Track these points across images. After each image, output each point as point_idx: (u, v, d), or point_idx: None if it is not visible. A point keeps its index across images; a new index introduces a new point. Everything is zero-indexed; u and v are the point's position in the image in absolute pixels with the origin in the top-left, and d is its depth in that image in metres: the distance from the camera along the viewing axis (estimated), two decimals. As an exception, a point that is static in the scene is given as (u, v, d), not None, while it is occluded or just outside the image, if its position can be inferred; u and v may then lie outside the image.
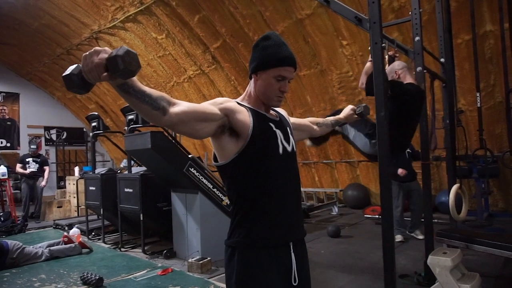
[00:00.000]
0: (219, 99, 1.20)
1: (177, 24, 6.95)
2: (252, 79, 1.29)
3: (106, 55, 0.88)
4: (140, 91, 0.96)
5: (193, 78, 8.04)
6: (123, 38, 7.88)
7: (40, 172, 7.26)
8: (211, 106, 1.15)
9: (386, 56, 2.77)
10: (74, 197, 7.32)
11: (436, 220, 4.76)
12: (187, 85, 8.29)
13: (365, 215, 6.16)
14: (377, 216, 5.86)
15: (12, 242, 4.00)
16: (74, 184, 7.31)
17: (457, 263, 2.42)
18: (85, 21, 7.67)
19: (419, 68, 2.77)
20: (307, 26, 5.91)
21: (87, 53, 0.89)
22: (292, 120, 1.54)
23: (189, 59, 7.66)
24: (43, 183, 7.21)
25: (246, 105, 1.27)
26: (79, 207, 7.02)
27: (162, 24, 7.10)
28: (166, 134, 3.94)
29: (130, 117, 4.50)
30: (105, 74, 0.88)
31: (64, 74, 0.90)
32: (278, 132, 1.27)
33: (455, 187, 2.96)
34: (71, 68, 0.90)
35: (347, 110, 1.91)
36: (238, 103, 1.26)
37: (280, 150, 1.25)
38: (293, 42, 6.21)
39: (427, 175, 2.89)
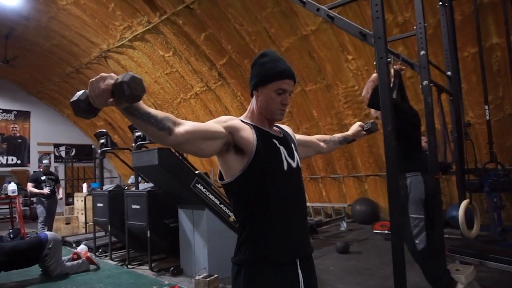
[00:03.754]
0: (223, 118, 1.21)
1: (183, 42, 7.08)
2: (254, 97, 1.31)
3: (112, 81, 0.90)
4: (146, 113, 0.97)
5: (200, 95, 8.12)
6: (131, 56, 8.04)
7: (55, 190, 7.01)
8: (215, 124, 1.17)
9: (392, 70, 2.77)
10: (82, 214, 7.34)
11: (447, 235, 4.65)
12: (194, 101, 8.38)
13: (374, 231, 6.06)
14: (386, 232, 5.75)
15: (52, 235, 4.18)
16: (82, 200, 7.34)
17: (471, 281, 2.35)
18: (94, 40, 7.85)
19: (425, 82, 2.76)
20: (312, 42, 5.97)
21: (94, 79, 0.91)
22: (298, 137, 1.54)
23: (196, 76, 7.76)
24: (60, 195, 6.92)
25: (250, 122, 1.28)
26: (87, 224, 7.03)
27: (169, 42, 7.24)
28: (173, 151, 3.95)
29: (137, 134, 4.54)
30: (111, 99, 0.89)
31: (72, 100, 0.92)
32: (282, 148, 1.28)
33: (464, 203, 2.90)
34: (79, 94, 0.93)
35: (355, 126, 1.91)
36: (241, 121, 1.27)
37: (285, 167, 1.25)
38: (298, 58, 6.27)
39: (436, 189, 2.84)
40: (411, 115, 2.72)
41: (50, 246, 4.09)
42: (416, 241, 2.48)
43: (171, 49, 7.38)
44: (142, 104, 0.97)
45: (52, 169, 10.78)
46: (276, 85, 1.25)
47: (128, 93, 0.88)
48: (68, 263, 4.34)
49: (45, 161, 6.98)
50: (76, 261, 4.40)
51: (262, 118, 1.30)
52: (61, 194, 6.90)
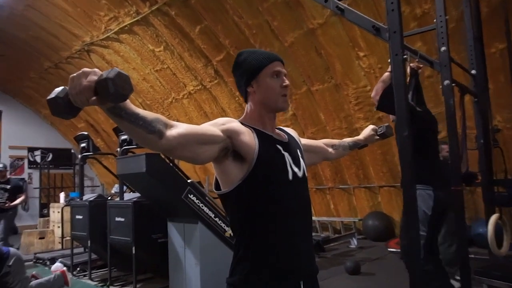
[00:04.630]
0: (220, 120, 1.21)
1: (176, 35, 7.11)
2: (249, 98, 1.33)
3: (95, 78, 0.89)
4: (133, 113, 0.97)
5: (194, 94, 8.14)
6: (117, 50, 8.08)
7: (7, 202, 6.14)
8: (212, 127, 1.17)
9: (408, 68, 2.78)
10: (59, 227, 7.31)
11: (473, 256, 4.62)
12: (187, 101, 8.39)
13: (389, 249, 6.03)
14: (402, 250, 5.72)
15: (14, 250, 4.04)
16: (59, 212, 7.31)
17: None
18: (76, 32, 7.89)
19: (446, 82, 2.77)
20: (320, 37, 6.00)
21: (75, 74, 0.90)
22: (304, 141, 1.55)
23: (189, 74, 7.79)
24: (16, 202, 6.19)
25: (250, 125, 1.28)
26: (64, 239, 6.99)
27: (160, 35, 7.27)
28: (163, 157, 3.96)
29: (123, 137, 4.54)
30: (94, 98, 0.89)
31: (49, 98, 0.91)
32: (286, 155, 1.28)
33: (494, 217, 2.89)
34: (57, 90, 0.91)
35: (367, 130, 1.92)
36: (241, 122, 1.28)
37: (290, 176, 1.26)
38: (304, 54, 6.30)
39: (459, 203, 2.83)
40: (428, 120, 2.72)
41: (10, 264, 3.95)
42: None
43: (162, 43, 7.41)
44: (129, 104, 0.96)
45: (25, 175, 10.78)
46: (268, 69, 1.29)
47: (113, 91, 0.88)
48: (37, 280, 4.27)
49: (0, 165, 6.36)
50: (48, 277, 4.34)
51: (263, 119, 1.31)
52: (17, 201, 6.24)
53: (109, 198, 5.53)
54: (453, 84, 2.84)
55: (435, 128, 2.79)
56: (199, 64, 7.45)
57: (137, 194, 4.59)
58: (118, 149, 4.58)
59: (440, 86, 2.79)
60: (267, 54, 1.33)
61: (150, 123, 0.99)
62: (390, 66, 2.40)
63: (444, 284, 2.61)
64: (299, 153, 1.35)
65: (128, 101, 0.96)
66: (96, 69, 0.91)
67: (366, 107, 6.35)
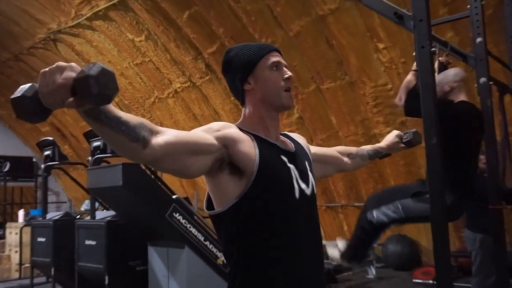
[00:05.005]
0: (214, 125, 1.21)
1: (160, 22, 7.14)
2: (247, 98, 1.34)
3: (73, 74, 0.88)
4: (115, 117, 0.96)
5: (181, 93, 8.15)
6: (89, 39, 8.10)
7: None
8: (205, 134, 1.17)
9: (436, 63, 2.78)
10: (16, 252, 7.26)
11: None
12: (173, 101, 8.40)
13: (414, 279, 6.01)
14: (430, 281, 5.71)
15: None
16: (17, 233, 7.27)
17: None
18: (40, 18, 7.91)
19: (482, 79, 2.77)
20: (331, 25, 6.02)
21: (47, 70, 0.88)
22: (314, 149, 1.55)
23: (176, 68, 7.81)
24: None
25: (249, 131, 1.28)
26: (23, 266, 6.94)
27: (141, 22, 7.30)
28: (143, 168, 3.96)
29: (96, 143, 4.54)
30: (70, 99, 0.87)
31: (13, 97, 0.89)
32: (292, 168, 1.28)
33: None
34: (24, 88, 0.89)
35: (391, 137, 1.93)
36: (239, 128, 1.28)
37: (297, 194, 1.26)
38: (312, 46, 6.32)
39: (499, 225, 2.82)
40: (469, 117, 2.66)
41: None
42: None
43: (143, 31, 7.43)
44: (110, 105, 0.96)
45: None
46: (265, 61, 1.31)
47: (96, 91, 0.86)
48: None
49: None
50: None
51: (265, 123, 1.31)
52: None
53: (78, 216, 5.50)
54: (491, 82, 2.84)
55: (476, 127, 2.69)
56: (187, 57, 7.47)
57: (112, 212, 4.58)
58: (90, 158, 4.58)
59: (475, 85, 2.80)
60: (261, 45, 1.36)
61: (134, 129, 0.98)
62: (415, 62, 2.40)
63: None
64: (307, 166, 1.35)
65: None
66: (73, 64, 0.90)
67: (386, 109, 6.37)
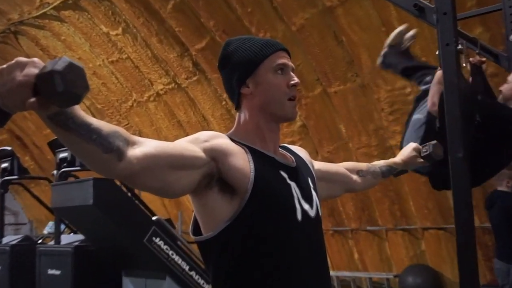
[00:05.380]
0: (202, 134, 1.22)
1: (140, 13, 7.16)
2: (243, 104, 1.34)
3: (35, 71, 0.88)
4: (84, 124, 0.96)
5: (164, 96, 8.16)
6: (56, 32, 8.11)
7: None
8: (190, 145, 1.17)
9: (465, 65, 2.79)
10: (-33, 282, 7.19)
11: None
12: (154, 106, 8.40)
13: (437, 318, 5.98)
14: (456, 320, 5.69)
15: None
16: (-32, 260, 7.20)
17: None
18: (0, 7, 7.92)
19: (517, 83, 2.79)
20: (340, 18, 6.06)
21: (5, 66, 0.88)
22: (318, 165, 1.55)
23: (158, 67, 7.82)
24: None
25: (243, 142, 1.28)
26: (-26, 299, 6.87)
27: (118, 13, 7.32)
28: (118, 184, 3.95)
29: (62, 155, 4.52)
30: (32, 99, 0.87)
31: None
32: (293, 186, 1.28)
33: None
34: None
35: (408, 150, 1.93)
36: (231, 138, 1.28)
37: (299, 216, 1.25)
38: (318, 42, 6.35)
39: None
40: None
41: None
42: None
43: (120, 23, 7.45)
44: (78, 109, 0.95)
45: None
46: (269, 62, 1.31)
47: (62, 89, 0.86)
48: None
49: None
50: None
51: (263, 133, 1.32)
52: None
53: (39, 241, 5.46)
54: (527, 86, 2.86)
55: None
56: (171, 54, 7.48)
57: (81, 237, 4.54)
58: (55, 171, 4.56)
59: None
60: (267, 41, 1.35)
61: (107, 138, 0.98)
62: (439, 63, 2.42)
63: None
64: (310, 183, 1.35)
65: (77, 105, 0.95)
66: (36, 59, 0.90)
67: (404, 117, 6.38)
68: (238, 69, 1.32)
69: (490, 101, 2.65)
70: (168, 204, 9.23)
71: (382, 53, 2.89)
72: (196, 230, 1.26)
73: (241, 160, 1.21)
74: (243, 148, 1.25)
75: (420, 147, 1.94)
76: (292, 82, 1.31)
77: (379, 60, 2.97)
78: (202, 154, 1.16)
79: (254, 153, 1.25)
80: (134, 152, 1.03)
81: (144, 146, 1.06)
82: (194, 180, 1.15)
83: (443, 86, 2.53)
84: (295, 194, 1.27)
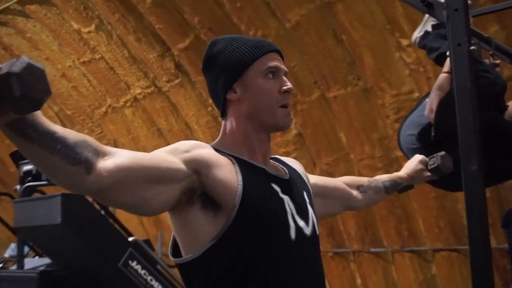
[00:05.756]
0: (183, 144, 1.22)
1: (116, 8, 7.16)
2: (230, 111, 1.36)
3: None
4: (47, 132, 0.96)
5: (142, 101, 8.14)
6: (21, 30, 8.08)
7: None
8: (170, 156, 1.17)
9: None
10: None
11: None
12: (131, 112, 8.38)
13: None
14: None
15: None
16: None
17: None
18: (-45, 1, 7.90)
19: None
20: (340, 14, 6.09)
21: None
22: (314, 179, 1.56)
23: (136, 68, 7.81)
24: None
25: (229, 152, 1.29)
26: None
27: (91, 8, 7.32)
28: (90, 200, 3.94)
29: (26, 167, 4.51)
30: None
31: None
32: (286, 200, 1.29)
33: None
34: None
35: (413, 163, 1.96)
36: (215, 149, 1.29)
37: (292, 233, 1.26)
38: (316, 41, 6.37)
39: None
40: None
41: None
42: None
43: (93, 20, 7.45)
44: (41, 116, 0.96)
45: None
46: (260, 65, 1.32)
47: (19, 94, 0.86)
48: None
49: None
50: None
51: (251, 143, 1.33)
52: None
53: (0, 265, 5.41)
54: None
55: None
56: (151, 54, 7.48)
57: (47, 260, 4.53)
58: (18, 186, 4.54)
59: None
60: (257, 41, 1.36)
61: (74, 148, 0.98)
62: (448, 62, 2.44)
63: None
64: (306, 198, 1.36)
65: (39, 112, 0.95)
66: None
67: (412, 125, 6.42)
68: (224, 72, 1.33)
69: (493, 115, 2.68)
70: (146, 223, 9.18)
71: (421, 32, 2.89)
72: (176, 252, 1.27)
73: (228, 172, 1.22)
74: (229, 159, 1.26)
75: (427, 159, 1.95)
76: (285, 87, 1.32)
77: (415, 37, 2.98)
78: (182, 166, 1.16)
79: (242, 164, 1.26)
80: (105, 164, 1.03)
81: (117, 157, 1.06)
82: (173, 195, 1.15)
83: (443, 92, 2.56)
84: (288, 210, 1.27)
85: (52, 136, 0.96)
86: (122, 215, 6.20)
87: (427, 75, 6.03)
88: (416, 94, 6.20)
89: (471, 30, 2.43)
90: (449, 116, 2.37)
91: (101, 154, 1.03)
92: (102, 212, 4.10)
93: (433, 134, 2.62)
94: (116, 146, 8.85)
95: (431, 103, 2.65)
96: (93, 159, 1.01)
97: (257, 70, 1.32)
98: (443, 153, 1.93)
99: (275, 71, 1.33)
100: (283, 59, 1.39)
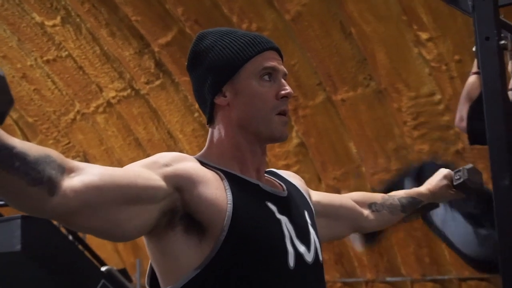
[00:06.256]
0: (162, 157, 1.22)
1: (86, -3, 7.18)
2: (218, 117, 1.36)
3: None
4: (4, 147, 0.95)
5: (116, 106, 8.14)
6: (-26, 23, 8.09)
7: None
8: (147, 171, 1.17)
9: (510, 65, 2.84)
10: None
11: None
12: (104, 119, 8.38)
13: None
14: None
15: None
16: None
17: None
18: None
19: None
20: (348, 3, 6.11)
21: None
22: (316, 196, 1.57)
23: (109, 67, 7.81)
24: None
25: (216, 165, 1.29)
26: None
27: (57, -3, 7.33)
28: (55, 224, 3.93)
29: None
30: None
31: None
32: (284, 221, 1.29)
33: None
34: None
35: (437, 178, 1.95)
36: (200, 162, 1.29)
37: (291, 261, 1.25)
38: (320, 35, 6.39)
39: None
40: None
41: None
42: None
43: (59, 11, 7.45)
44: None
45: None
46: (254, 64, 1.32)
47: None
48: None
49: None
50: None
51: (243, 155, 1.33)
52: None
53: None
54: None
55: None
56: (127, 51, 7.49)
57: (4, 294, 4.53)
58: (-30, 207, 4.53)
59: None
60: (252, 37, 1.36)
61: (35, 166, 0.98)
62: (475, 61, 2.45)
63: None
64: (307, 218, 1.36)
65: None
66: None
67: (433, 132, 6.42)
68: (213, 72, 1.33)
69: None
70: (122, 249, 9.16)
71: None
72: (155, 282, 1.26)
73: (214, 189, 1.21)
74: (217, 173, 1.26)
75: (452, 173, 1.94)
76: (283, 92, 1.32)
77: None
78: (162, 183, 1.16)
79: (232, 179, 1.26)
80: (72, 182, 1.02)
81: (85, 175, 1.05)
82: (151, 217, 1.15)
83: (473, 96, 2.57)
84: (286, 233, 1.27)
85: (9, 152, 0.95)
86: (93, 241, 6.16)
87: (450, 74, 6.05)
88: (438, 97, 6.22)
89: (501, 22, 2.44)
90: (480, 124, 2.37)
91: (66, 171, 1.03)
92: (70, 237, 4.07)
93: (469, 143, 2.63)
94: (86, 159, 8.87)
95: (460, 110, 2.66)
96: (58, 178, 1.00)
97: (251, 71, 1.31)
98: (470, 166, 1.92)
99: (272, 73, 1.33)
100: (282, 58, 1.39)
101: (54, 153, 1.02)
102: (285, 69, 1.36)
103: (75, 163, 1.07)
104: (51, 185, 0.99)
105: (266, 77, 1.32)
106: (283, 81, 1.34)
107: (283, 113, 1.33)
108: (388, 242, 7.19)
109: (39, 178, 0.97)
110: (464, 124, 2.61)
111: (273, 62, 1.34)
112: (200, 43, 1.37)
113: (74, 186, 1.02)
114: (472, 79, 2.66)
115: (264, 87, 1.31)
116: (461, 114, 2.63)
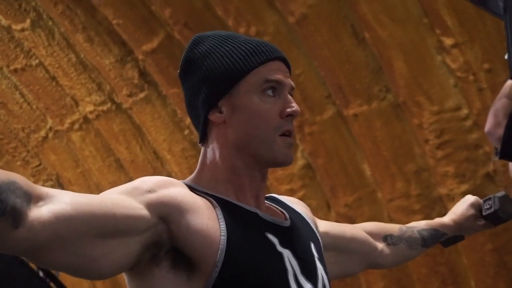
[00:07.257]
0: (145, 182, 1.22)
1: (60, -2, 7.21)
2: (211, 136, 1.36)
3: None
4: None
5: (95, 122, 8.15)
6: None
7: None
8: (127, 199, 1.17)
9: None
10: None
11: None
12: (80, 137, 8.38)
13: None
14: None
15: None
16: None
17: None
18: None
19: None
20: (361, 4, 6.14)
21: None
22: (324, 226, 1.57)
23: (86, 78, 7.84)
24: None
25: (208, 191, 1.29)
26: None
27: (26, -2, 7.37)
28: (22, 260, 3.92)
29: None
30: None
31: None
32: (287, 255, 1.28)
33: None
34: None
35: (463, 206, 1.96)
36: (190, 187, 1.29)
37: None
38: (329, 41, 6.41)
39: None
40: None
41: None
42: None
43: (28, 13, 7.49)
44: None
45: None
46: (257, 76, 1.32)
47: None
48: None
49: None
50: None
51: (240, 180, 1.33)
52: None
53: None
54: None
55: None
56: (107, 59, 7.51)
57: None
58: None
59: None
60: (256, 44, 1.36)
61: None
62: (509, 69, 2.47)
63: None
64: (314, 251, 1.36)
65: None
66: None
67: (459, 152, 6.43)
68: (208, 83, 1.33)
69: None
70: (101, 287, 9.13)
71: None
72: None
73: (206, 219, 1.21)
74: (209, 200, 1.26)
75: (481, 201, 1.94)
76: (289, 109, 1.32)
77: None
78: (144, 212, 1.16)
79: (226, 207, 1.26)
80: (39, 212, 1.02)
81: (55, 203, 1.05)
82: (132, 252, 1.14)
83: (508, 111, 2.58)
84: (290, 268, 1.27)
85: None
86: (68, 278, 6.12)
87: (478, 86, 6.06)
88: (465, 111, 6.22)
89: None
90: None
91: (34, 200, 1.02)
92: (41, 273, 4.06)
93: (497, 157, 2.61)
94: (59, 183, 8.87)
95: (495, 116, 2.66)
96: (23, 207, 0.99)
97: (252, 84, 1.31)
98: (502, 193, 1.91)
99: (276, 87, 1.32)
100: (290, 69, 1.38)
101: (19, 179, 1.02)
102: (292, 83, 1.36)
103: (44, 190, 1.06)
104: (16, 216, 0.98)
105: (270, 92, 1.32)
106: (289, 97, 1.34)
107: (287, 134, 1.32)
108: (409, 278, 7.18)
109: (1, 208, 0.96)
110: (500, 131, 2.60)
111: (279, 74, 1.33)
112: (195, 48, 1.37)
113: (42, 216, 1.02)
114: (509, 84, 2.68)
115: (267, 103, 1.31)
116: (498, 121, 2.63)
